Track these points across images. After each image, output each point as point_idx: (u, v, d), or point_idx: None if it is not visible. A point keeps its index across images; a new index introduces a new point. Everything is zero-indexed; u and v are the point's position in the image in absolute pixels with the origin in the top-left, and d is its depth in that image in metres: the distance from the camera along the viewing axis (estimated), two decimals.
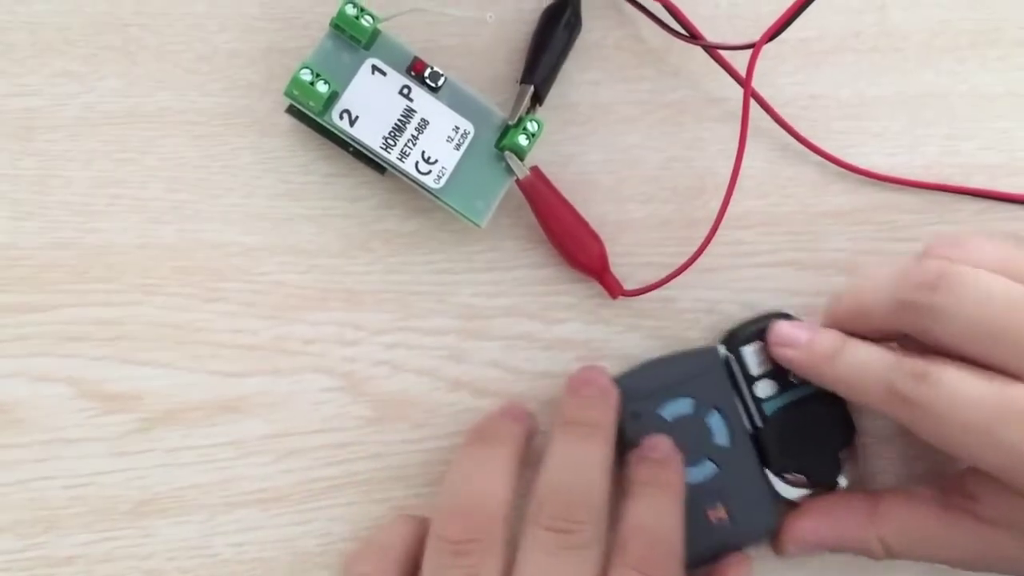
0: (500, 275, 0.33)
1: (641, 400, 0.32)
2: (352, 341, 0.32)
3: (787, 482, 0.32)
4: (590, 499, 0.29)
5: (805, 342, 0.31)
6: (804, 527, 0.32)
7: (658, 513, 0.29)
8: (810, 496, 0.32)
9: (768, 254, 0.35)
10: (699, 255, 0.32)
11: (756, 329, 0.32)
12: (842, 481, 0.32)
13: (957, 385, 0.27)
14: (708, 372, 0.32)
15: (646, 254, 0.34)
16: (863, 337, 0.30)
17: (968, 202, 0.36)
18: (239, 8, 0.33)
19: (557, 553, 0.28)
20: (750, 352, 0.32)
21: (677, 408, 0.32)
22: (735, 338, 0.33)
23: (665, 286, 0.33)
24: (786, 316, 0.33)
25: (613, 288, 0.33)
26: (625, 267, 0.34)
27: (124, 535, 0.31)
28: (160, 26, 0.33)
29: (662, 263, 0.34)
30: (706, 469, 0.32)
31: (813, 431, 0.31)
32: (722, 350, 0.33)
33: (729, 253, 0.34)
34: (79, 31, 0.32)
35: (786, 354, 0.31)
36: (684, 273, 0.32)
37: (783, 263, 0.35)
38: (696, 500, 0.31)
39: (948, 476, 0.32)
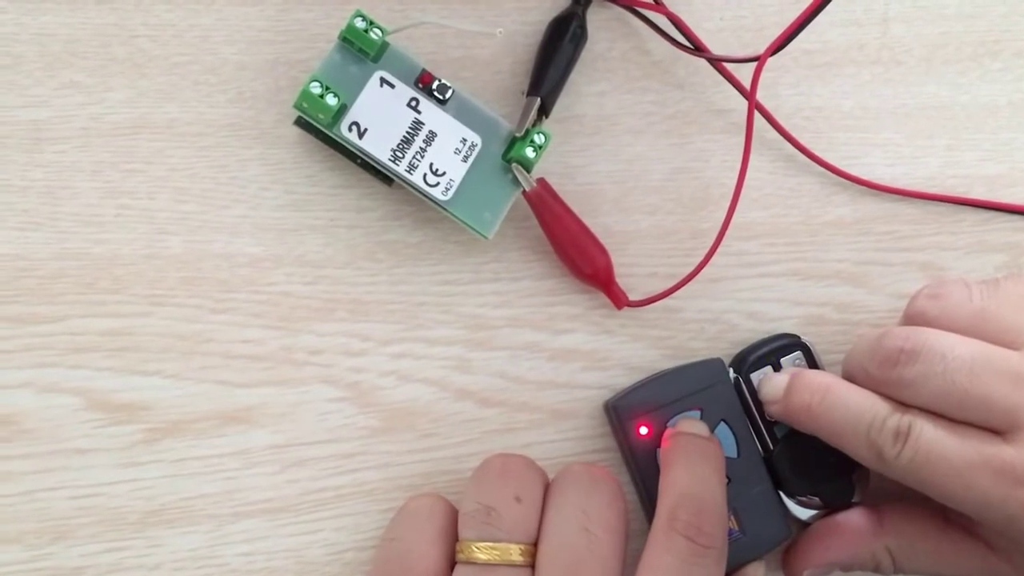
0: (506, 286, 0.33)
1: (648, 414, 0.32)
2: (359, 351, 0.32)
3: (801, 504, 0.32)
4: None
5: (783, 394, 0.31)
6: (816, 551, 0.32)
7: (703, 480, 0.29)
8: (823, 514, 0.32)
9: (772, 264, 0.35)
10: (704, 265, 0.33)
11: (765, 353, 0.33)
12: (856, 499, 0.32)
13: (934, 445, 0.28)
14: (714, 384, 0.32)
15: (651, 264, 0.34)
16: None
17: (969, 212, 0.36)
18: (246, 20, 0.33)
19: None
20: (759, 379, 0.33)
21: None
22: (744, 363, 0.33)
23: (670, 296, 0.33)
24: (792, 337, 0.33)
25: (618, 299, 0.33)
26: (630, 277, 0.34)
27: (131, 545, 0.31)
28: (167, 38, 0.33)
29: (667, 273, 0.34)
30: None
31: (825, 453, 0.31)
32: (732, 374, 0.33)
33: (733, 263, 0.35)
34: (87, 43, 0.33)
35: (771, 411, 0.32)
36: (689, 284, 0.33)
37: (787, 273, 0.35)
38: None
39: None
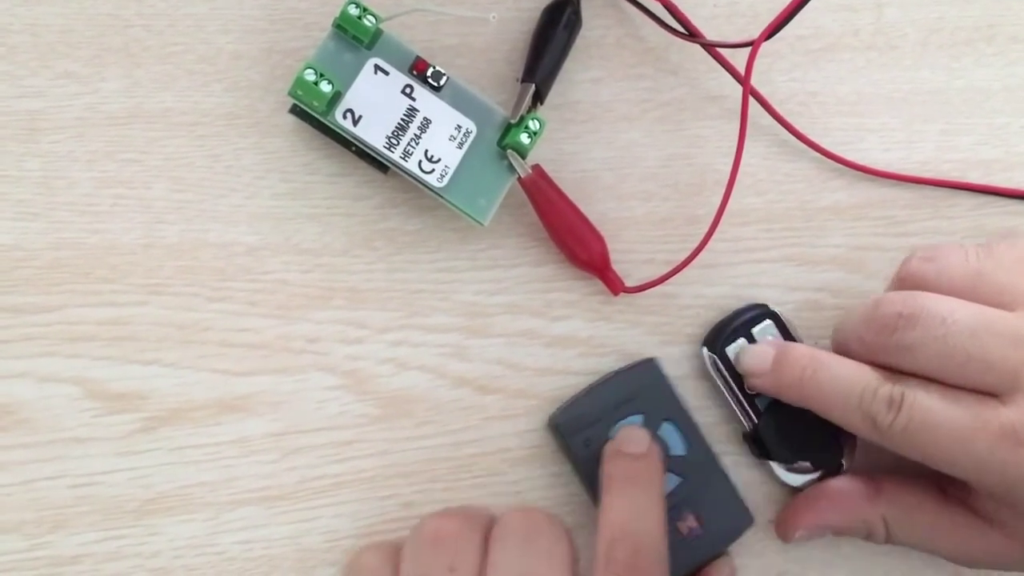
0: (502, 273, 0.34)
1: (590, 427, 0.31)
2: (356, 339, 0.33)
3: (792, 471, 0.32)
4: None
5: (771, 367, 0.31)
6: (809, 512, 0.32)
7: (639, 513, 0.29)
8: (817, 479, 0.33)
9: (767, 250, 0.35)
10: (699, 251, 0.33)
11: (737, 326, 0.33)
12: (845, 462, 0.33)
13: (930, 411, 0.28)
14: (652, 385, 0.32)
15: (647, 251, 0.34)
16: None
17: (965, 197, 0.36)
18: (241, 9, 0.33)
19: None
20: (734, 351, 0.33)
21: None
22: (717, 339, 0.33)
23: (666, 282, 0.33)
24: (761, 307, 0.33)
25: (614, 285, 0.33)
26: (626, 264, 0.34)
27: (130, 534, 0.31)
28: (162, 27, 0.33)
29: (663, 259, 0.34)
30: (670, 482, 0.31)
31: (810, 419, 0.31)
32: (705, 352, 0.33)
33: (729, 249, 0.35)
34: (81, 33, 0.33)
35: (756, 384, 0.32)
36: (685, 269, 0.33)
37: (782, 259, 0.35)
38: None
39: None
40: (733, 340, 0.33)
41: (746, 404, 0.32)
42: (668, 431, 0.32)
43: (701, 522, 0.31)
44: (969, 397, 0.28)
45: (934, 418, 0.27)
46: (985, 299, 0.28)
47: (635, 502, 0.29)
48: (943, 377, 0.28)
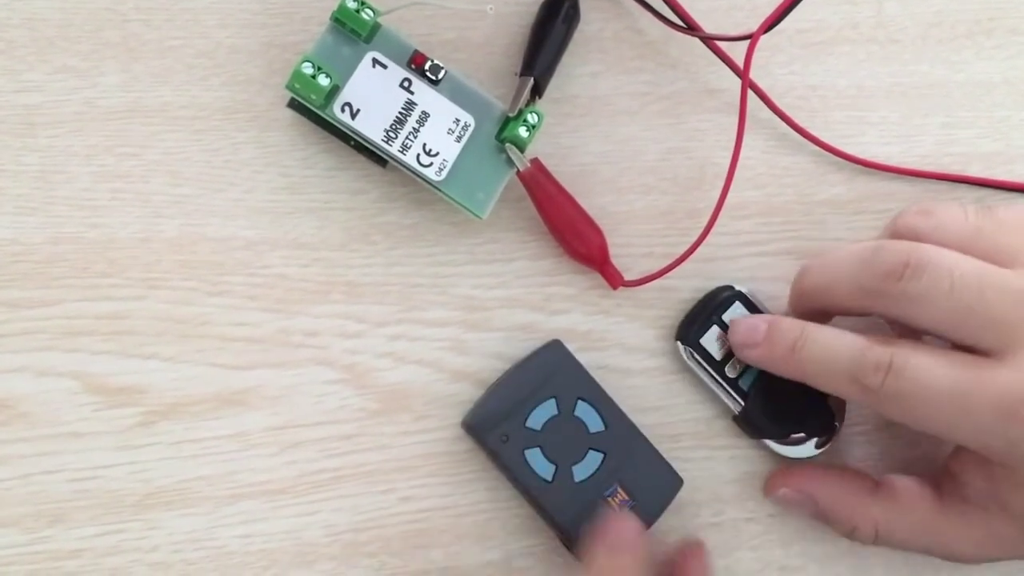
0: (501, 267, 0.33)
1: (505, 421, 0.31)
2: (354, 333, 0.32)
3: (790, 444, 0.32)
4: None
5: (763, 339, 0.31)
6: (801, 477, 0.32)
7: None
8: (815, 447, 0.33)
9: (766, 243, 0.35)
10: (698, 245, 0.33)
11: (706, 316, 0.33)
12: (838, 424, 0.33)
13: (923, 373, 0.27)
14: (560, 367, 0.32)
15: (646, 244, 0.34)
16: (828, 311, 0.31)
17: (965, 190, 0.36)
18: (239, 3, 0.33)
19: None
20: (709, 340, 0.33)
21: (542, 414, 0.31)
22: (690, 331, 0.33)
23: (665, 276, 0.33)
24: (727, 288, 0.33)
25: (613, 278, 0.33)
26: (625, 257, 0.34)
27: (129, 528, 0.31)
28: (160, 21, 0.33)
29: (662, 253, 0.34)
30: (593, 460, 0.31)
31: (796, 391, 0.31)
32: (680, 346, 0.33)
33: (728, 243, 0.35)
34: (79, 27, 0.33)
35: (749, 355, 0.32)
36: (684, 263, 0.33)
37: (781, 252, 0.35)
38: (594, 494, 0.31)
39: (939, 462, 0.32)
40: (706, 330, 0.33)
41: (730, 389, 0.33)
42: (583, 409, 0.32)
43: (631, 494, 0.31)
44: (964, 358, 0.27)
45: (928, 380, 0.27)
46: (984, 254, 0.28)
47: None
48: (942, 331, 0.28)
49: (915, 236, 0.29)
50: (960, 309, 0.27)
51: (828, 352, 0.29)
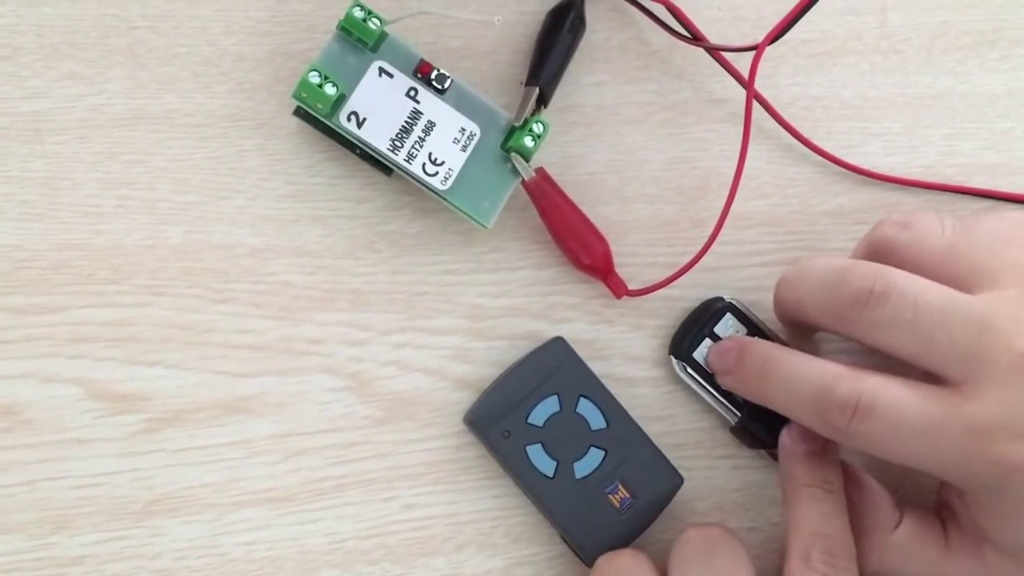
0: (505, 275, 0.34)
1: (507, 417, 0.31)
2: (359, 341, 0.33)
3: None
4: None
5: (734, 365, 0.31)
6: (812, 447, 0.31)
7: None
8: None
9: (771, 253, 0.35)
10: (703, 255, 0.33)
11: (698, 330, 0.33)
12: None
13: (891, 412, 0.27)
14: (563, 364, 0.32)
15: (650, 254, 0.34)
16: (807, 326, 0.31)
17: (968, 201, 0.36)
18: (245, 11, 0.33)
19: None
20: (701, 353, 0.33)
21: (545, 410, 0.32)
22: (682, 346, 0.33)
23: (669, 285, 0.33)
24: (717, 300, 0.33)
25: (617, 288, 0.33)
26: (630, 267, 0.34)
27: (133, 535, 0.31)
28: (167, 29, 0.33)
29: (666, 263, 0.34)
30: (594, 457, 0.32)
31: None
32: (673, 360, 0.33)
33: (732, 252, 0.35)
34: (86, 34, 0.33)
35: (724, 382, 0.32)
36: (688, 273, 0.33)
37: (786, 262, 0.35)
38: (595, 491, 0.31)
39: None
40: (699, 343, 0.33)
41: (725, 400, 0.33)
42: (585, 407, 0.32)
43: (632, 491, 0.31)
44: (932, 392, 0.27)
45: (896, 418, 0.27)
46: (955, 273, 0.28)
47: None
48: (907, 359, 0.28)
49: (891, 249, 0.29)
50: (924, 338, 0.27)
51: (791, 384, 0.29)
